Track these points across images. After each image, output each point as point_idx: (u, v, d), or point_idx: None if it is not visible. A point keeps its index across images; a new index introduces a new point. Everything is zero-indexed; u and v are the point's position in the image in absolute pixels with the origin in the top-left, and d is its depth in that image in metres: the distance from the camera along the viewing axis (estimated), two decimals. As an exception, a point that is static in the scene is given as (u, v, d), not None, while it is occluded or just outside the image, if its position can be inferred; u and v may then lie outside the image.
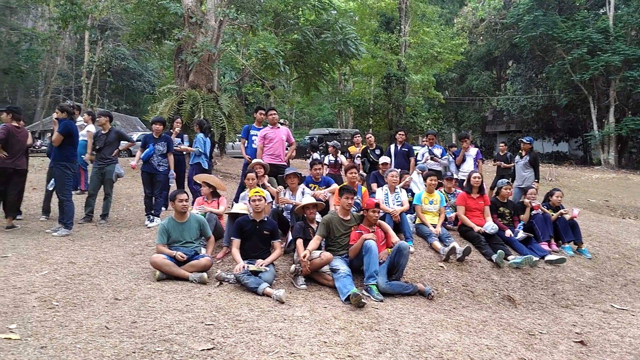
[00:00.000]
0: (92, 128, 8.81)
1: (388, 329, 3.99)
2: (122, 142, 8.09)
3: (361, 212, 5.68)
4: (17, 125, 6.94)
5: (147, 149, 7.75)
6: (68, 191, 6.90)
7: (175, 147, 8.43)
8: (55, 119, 7.33)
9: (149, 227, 7.37)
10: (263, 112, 8.40)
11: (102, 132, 7.80)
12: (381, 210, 5.85)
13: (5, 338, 3.23)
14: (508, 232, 6.71)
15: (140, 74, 40.49)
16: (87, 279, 4.76)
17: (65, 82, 38.36)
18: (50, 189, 7.51)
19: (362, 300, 4.48)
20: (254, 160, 6.97)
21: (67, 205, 6.82)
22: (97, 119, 8.04)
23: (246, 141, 8.30)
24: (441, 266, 5.91)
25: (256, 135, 8.12)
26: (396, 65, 29.09)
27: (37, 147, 8.47)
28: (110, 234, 7.09)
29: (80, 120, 9.31)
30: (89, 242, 6.49)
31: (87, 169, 9.33)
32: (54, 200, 7.40)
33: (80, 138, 7.52)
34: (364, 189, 6.66)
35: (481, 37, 36.04)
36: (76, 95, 35.33)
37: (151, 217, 7.65)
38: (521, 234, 6.76)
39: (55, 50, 35.26)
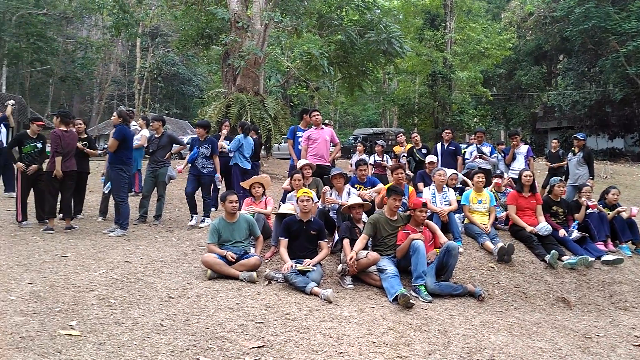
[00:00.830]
0: (146, 132, 9.15)
1: (437, 330, 3.95)
2: (174, 145, 8.35)
3: (408, 212, 5.63)
4: (65, 129, 7.19)
5: (192, 152, 7.89)
6: (124, 193, 7.14)
7: (222, 150, 8.65)
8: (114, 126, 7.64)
9: (190, 226, 7.58)
10: (317, 113, 8.41)
11: (156, 135, 8.08)
12: (428, 210, 5.79)
13: (66, 334, 3.37)
14: (562, 232, 6.48)
15: (189, 78, 41.60)
16: (142, 278, 4.94)
17: (118, 89, 39.93)
18: (106, 192, 7.82)
19: (411, 300, 4.44)
20: (302, 161, 7.02)
21: (123, 206, 7.07)
22: (151, 124, 8.34)
23: (293, 142, 8.38)
24: (492, 267, 5.78)
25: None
26: (442, 63, 28.62)
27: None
28: (164, 234, 7.33)
29: (134, 125, 9.69)
30: (143, 242, 6.73)
31: (141, 172, 9.69)
32: (111, 202, 7.72)
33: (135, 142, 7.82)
34: (410, 188, 6.59)
35: (530, 32, 34.80)
36: (129, 100, 36.73)
37: (193, 216, 7.83)
38: (575, 234, 6.51)
39: (108, 58, 36.81)
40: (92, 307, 4.01)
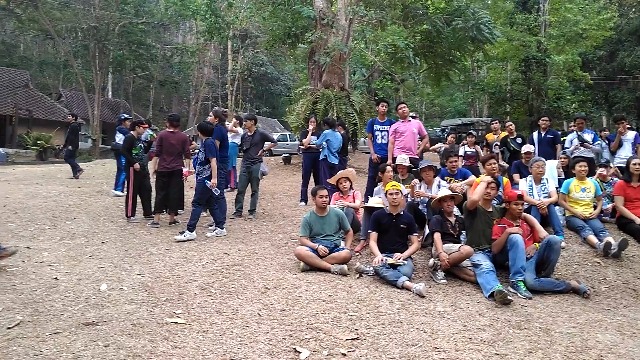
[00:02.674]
0: (240, 130, 9.59)
1: (539, 327, 3.77)
2: (266, 142, 8.63)
3: (503, 205, 5.42)
4: (171, 130, 7.60)
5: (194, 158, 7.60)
6: (221, 189, 7.49)
7: (311, 145, 8.84)
8: (209, 123, 8.05)
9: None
10: (385, 104, 8.31)
11: (249, 134, 8.40)
12: (525, 203, 5.52)
13: (172, 322, 3.62)
14: (678, 225, 5.91)
15: (277, 78, 42.73)
16: (240, 269, 5.18)
17: (212, 90, 41.96)
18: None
19: (508, 297, 4.27)
20: (400, 157, 6.92)
21: (221, 202, 7.42)
22: (244, 123, 8.70)
23: (372, 135, 8.27)
24: (597, 262, 5.41)
25: (379, 131, 8.11)
26: (535, 47, 26.96)
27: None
28: (258, 227, 7.58)
29: (228, 124, 10.14)
30: (240, 235, 7.02)
31: (236, 169, 10.15)
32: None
33: (230, 140, 8.15)
34: (505, 180, 6.32)
35: (633, 9, 31.77)
36: (222, 101, 38.45)
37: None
38: (694, 226, 5.90)
39: (202, 61, 38.80)
40: (195, 296, 4.26)
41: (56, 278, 4.72)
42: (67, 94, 36.12)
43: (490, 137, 10.06)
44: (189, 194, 8.28)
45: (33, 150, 23.40)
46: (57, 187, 10.51)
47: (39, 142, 23.08)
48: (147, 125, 8.33)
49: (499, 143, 9.37)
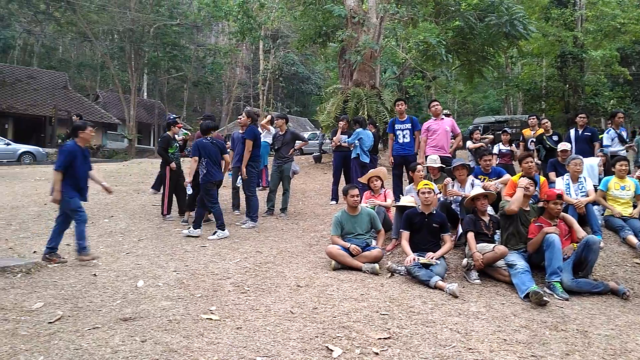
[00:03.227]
0: (271, 129, 9.69)
1: (576, 329, 3.68)
2: (297, 141, 8.67)
3: (540, 204, 5.30)
4: None
5: None
6: (253, 187, 7.60)
7: (342, 143, 8.83)
8: (241, 126, 8.14)
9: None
10: (401, 102, 8.21)
11: (280, 133, 8.47)
12: (563, 202, 5.38)
13: (207, 318, 3.68)
14: None
15: (308, 77, 42.84)
16: (272, 267, 5.24)
17: (244, 90, 42.40)
18: (239, 185, 8.37)
19: (544, 298, 4.18)
20: (431, 158, 6.82)
21: (253, 200, 7.51)
22: (275, 122, 8.77)
23: (394, 136, 8.17)
24: (637, 263, 5.24)
25: (400, 130, 8.02)
26: (572, 42, 26.20)
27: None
28: (290, 226, 7.63)
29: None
30: (272, 233, 7.09)
31: (268, 168, 10.24)
32: (242, 195, 8.24)
33: (262, 139, 8.22)
34: (542, 178, 6.18)
35: (674, 1, 30.50)
36: (254, 101, 38.84)
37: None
38: None
39: (235, 62, 39.24)
40: (229, 293, 4.33)
41: (95, 274, 4.87)
42: (104, 95, 37.16)
43: (527, 132, 9.84)
44: (222, 193, 8.36)
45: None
46: (94, 186, 10.74)
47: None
48: (181, 125, 8.49)
49: (534, 140, 9.15)
